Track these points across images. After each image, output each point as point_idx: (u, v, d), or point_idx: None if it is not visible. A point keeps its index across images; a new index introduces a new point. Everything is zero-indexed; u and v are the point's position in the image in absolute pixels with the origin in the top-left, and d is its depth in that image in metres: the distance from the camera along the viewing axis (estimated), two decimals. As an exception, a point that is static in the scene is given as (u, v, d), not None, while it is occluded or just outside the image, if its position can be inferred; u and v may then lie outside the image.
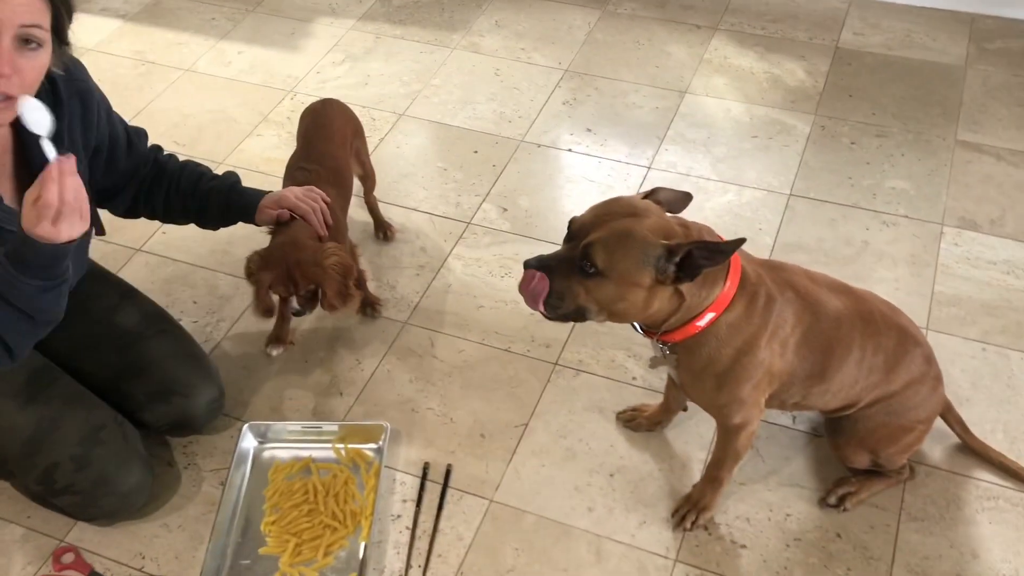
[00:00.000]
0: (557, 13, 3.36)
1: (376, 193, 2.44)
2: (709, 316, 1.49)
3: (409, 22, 3.33)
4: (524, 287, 1.47)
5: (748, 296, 1.50)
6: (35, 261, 1.46)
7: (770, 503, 1.86)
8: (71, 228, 1.41)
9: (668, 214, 1.48)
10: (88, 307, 1.91)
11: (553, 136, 2.82)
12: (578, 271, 1.42)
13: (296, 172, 2.10)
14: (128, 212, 1.98)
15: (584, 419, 2.03)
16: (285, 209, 1.93)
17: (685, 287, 1.44)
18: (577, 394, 2.08)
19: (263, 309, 1.95)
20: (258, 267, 1.89)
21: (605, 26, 3.29)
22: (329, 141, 2.18)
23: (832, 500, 1.84)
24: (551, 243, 2.43)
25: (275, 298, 1.94)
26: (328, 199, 1.99)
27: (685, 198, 1.53)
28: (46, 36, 1.44)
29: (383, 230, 2.48)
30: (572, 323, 2.19)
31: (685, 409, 1.98)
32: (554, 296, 1.45)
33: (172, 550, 1.82)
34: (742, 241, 1.38)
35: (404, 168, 2.71)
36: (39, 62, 1.45)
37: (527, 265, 1.47)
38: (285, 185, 2.11)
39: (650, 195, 1.50)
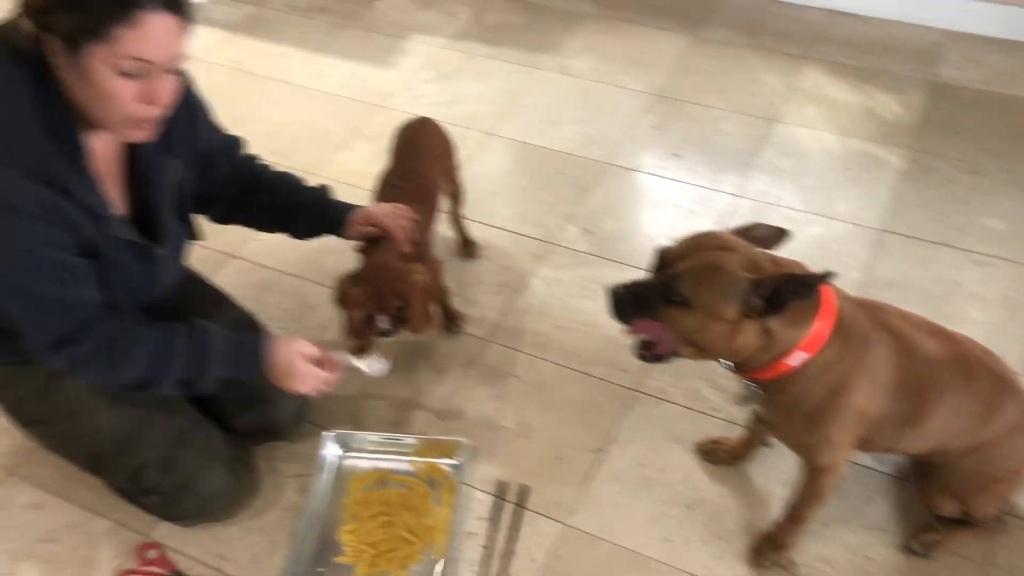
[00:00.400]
0: (647, 37, 3.36)
1: (462, 211, 2.47)
2: (802, 355, 1.47)
3: (500, 42, 3.36)
4: (640, 332, 1.53)
5: (843, 335, 1.48)
6: (243, 370, 1.70)
7: (851, 545, 1.82)
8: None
9: (761, 249, 1.47)
10: (182, 312, 1.96)
11: (640, 160, 2.82)
12: (664, 300, 1.43)
13: (387, 189, 2.14)
14: (223, 219, 2.03)
15: (662, 448, 2.01)
16: (374, 228, 1.96)
17: (773, 323, 1.42)
18: (656, 422, 2.07)
19: (354, 331, 1.98)
20: (350, 285, 1.92)
21: (696, 52, 3.28)
22: (420, 159, 2.22)
23: (916, 547, 1.79)
24: (634, 267, 2.42)
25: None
26: (416, 216, 2.02)
27: (779, 234, 1.51)
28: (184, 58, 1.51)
29: (468, 247, 2.50)
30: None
31: (767, 444, 1.95)
32: (631, 314, 1.49)
33: (251, 553, 1.85)
34: (829, 274, 1.37)
35: (490, 187, 2.74)
36: (179, 79, 1.53)
37: (614, 292, 1.49)
38: (376, 200, 2.15)
39: (745, 230, 1.49)
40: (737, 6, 3.50)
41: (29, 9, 1.41)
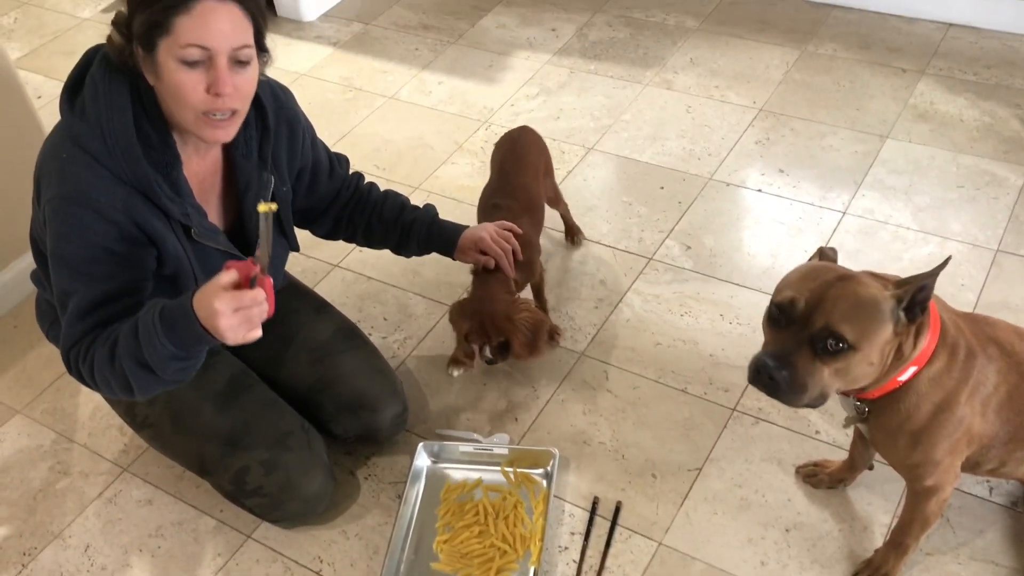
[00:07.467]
0: (754, 52, 3.31)
1: (564, 204, 2.51)
2: (911, 370, 1.42)
3: (604, 57, 3.37)
4: None
5: (948, 349, 1.43)
6: (184, 334, 1.46)
7: (959, 578, 1.75)
8: (247, 336, 1.44)
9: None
10: (286, 320, 2.02)
11: (743, 175, 2.78)
12: (821, 352, 1.35)
13: (491, 208, 2.17)
14: (328, 235, 2.09)
15: (761, 469, 1.97)
16: (486, 256, 2.01)
17: (904, 338, 1.38)
18: (755, 443, 2.02)
19: (464, 354, 2.14)
20: (458, 316, 2.04)
21: (804, 66, 3.21)
22: (522, 172, 2.24)
23: (1031, 582, 1.71)
24: (735, 284, 2.39)
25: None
26: (520, 231, 2.06)
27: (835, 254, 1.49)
28: (253, 52, 1.55)
29: (572, 234, 2.56)
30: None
31: (871, 468, 1.89)
32: (796, 388, 1.37)
33: (348, 557, 1.89)
34: (947, 260, 1.34)
35: (589, 201, 2.74)
36: (251, 76, 1.57)
37: (760, 372, 1.39)
38: (480, 216, 2.18)
39: (822, 256, 1.47)
40: (847, 20, 3.42)
41: (116, 23, 1.52)
